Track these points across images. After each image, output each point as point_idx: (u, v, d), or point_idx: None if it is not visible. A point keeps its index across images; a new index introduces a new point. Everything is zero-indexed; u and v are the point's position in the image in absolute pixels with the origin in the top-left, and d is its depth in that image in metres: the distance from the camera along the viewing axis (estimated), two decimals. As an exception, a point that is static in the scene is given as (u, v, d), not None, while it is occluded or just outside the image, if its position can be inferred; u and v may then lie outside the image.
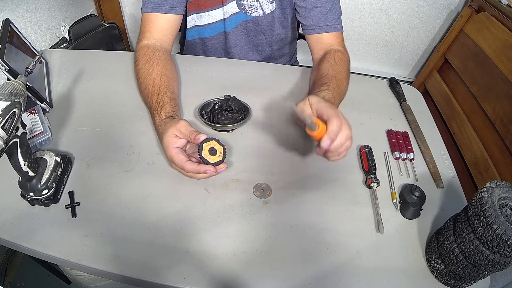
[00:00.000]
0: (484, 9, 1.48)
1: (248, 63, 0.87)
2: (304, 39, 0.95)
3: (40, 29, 1.28)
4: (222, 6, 0.81)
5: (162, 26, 0.76)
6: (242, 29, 0.85)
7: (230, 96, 0.71)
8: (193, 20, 0.85)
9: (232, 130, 0.68)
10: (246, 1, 0.80)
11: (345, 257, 0.51)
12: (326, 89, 0.65)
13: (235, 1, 0.80)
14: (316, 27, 0.78)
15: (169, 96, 0.65)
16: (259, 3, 0.81)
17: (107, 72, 0.80)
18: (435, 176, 0.63)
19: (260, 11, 0.82)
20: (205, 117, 0.68)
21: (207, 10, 0.82)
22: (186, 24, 0.87)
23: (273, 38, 0.89)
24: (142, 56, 0.72)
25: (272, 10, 0.83)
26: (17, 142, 0.46)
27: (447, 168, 0.66)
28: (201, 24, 0.85)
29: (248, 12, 0.82)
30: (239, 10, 0.82)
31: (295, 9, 0.83)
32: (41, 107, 0.65)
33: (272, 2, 0.81)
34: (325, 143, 0.51)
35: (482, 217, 0.41)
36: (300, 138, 0.68)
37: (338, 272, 0.49)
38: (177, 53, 0.97)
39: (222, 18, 0.83)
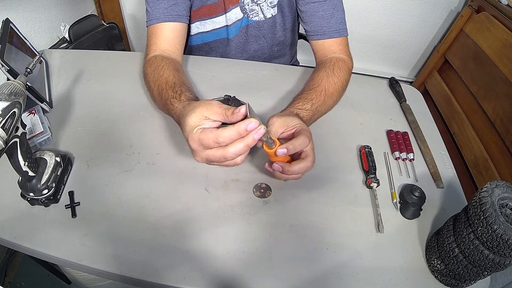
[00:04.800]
0: (484, 9, 1.48)
1: (248, 63, 0.87)
2: (305, 39, 0.95)
3: (40, 29, 1.28)
4: (225, 13, 0.80)
5: (168, 36, 0.72)
6: (244, 34, 0.85)
7: (230, 96, 0.71)
8: (196, 28, 0.84)
9: (232, 130, 0.67)
10: (248, 5, 0.80)
11: (345, 257, 0.51)
12: (309, 109, 0.62)
13: (238, 7, 0.80)
14: (318, 33, 0.77)
15: (186, 89, 0.59)
16: (260, 7, 0.81)
17: (107, 72, 0.80)
18: (435, 176, 0.63)
19: (261, 16, 0.82)
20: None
21: (210, 18, 0.81)
22: (189, 31, 0.85)
23: (274, 41, 0.89)
24: (150, 65, 0.68)
25: (273, 14, 0.82)
26: (17, 142, 0.46)
27: (447, 168, 0.66)
28: (205, 30, 0.84)
29: (250, 17, 0.82)
30: (243, 15, 0.81)
31: (297, 14, 0.82)
32: (41, 107, 0.65)
33: (274, 6, 0.81)
34: (280, 151, 0.48)
35: (482, 217, 0.41)
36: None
37: (338, 272, 0.49)
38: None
39: (225, 24, 0.82)
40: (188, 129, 0.45)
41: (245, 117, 0.43)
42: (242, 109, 0.43)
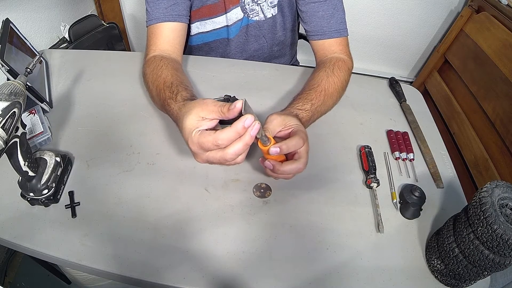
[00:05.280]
0: (484, 9, 1.48)
1: (248, 63, 0.87)
2: (305, 39, 0.95)
3: (40, 29, 1.28)
4: (225, 13, 0.80)
5: (168, 36, 0.71)
6: (244, 33, 0.85)
7: (230, 96, 0.71)
8: (196, 28, 0.84)
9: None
10: (248, 5, 0.80)
11: (345, 257, 0.51)
12: (308, 109, 0.62)
13: (239, 7, 0.80)
14: (318, 33, 0.77)
15: (183, 88, 0.59)
16: (260, 7, 0.80)
17: (107, 72, 0.80)
18: (435, 176, 0.63)
19: (261, 15, 0.82)
20: (205, 117, 0.67)
21: (210, 18, 0.81)
22: (189, 31, 0.85)
23: (274, 41, 0.89)
24: (149, 65, 0.67)
25: (273, 14, 0.82)
26: (17, 142, 0.46)
27: (447, 168, 0.66)
28: (205, 30, 0.84)
29: (250, 16, 0.82)
30: (243, 15, 0.81)
31: (298, 14, 0.82)
32: (41, 107, 0.65)
33: (274, 6, 0.81)
34: (273, 150, 0.48)
35: (482, 217, 0.41)
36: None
37: (338, 272, 0.49)
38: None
39: (225, 24, 0.82)
40: (187, 132, 0.45)
41: (241, 113, 0.43)
42: (238, 104, 0.42)
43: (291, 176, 0.54)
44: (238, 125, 0.42)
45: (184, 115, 0.46)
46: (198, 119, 0.45)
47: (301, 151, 0.52)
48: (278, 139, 0.53)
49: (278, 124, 0.53)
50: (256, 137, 0.44)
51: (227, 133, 0.42)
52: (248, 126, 0.42)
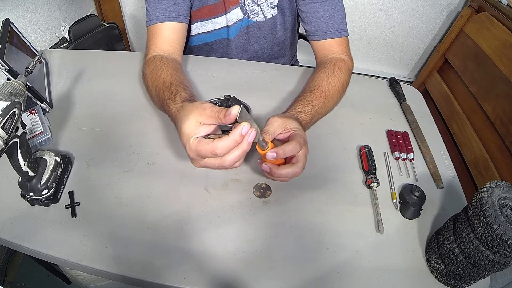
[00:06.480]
0: (484, 9, 1.48)
1: (248, 63, 0.87)
2: (305, 39, 0.95)
3: (40, 29, 1.28)
4: (225, 14, 0.80)
5: (168, 37, 0.71)
6: (244, 34, 0.85)
7: (230, 96, 0.71)
8: (197, 28, 0.84)
9: (232, 130, 0.67)
10: (248, 6, 0.80)
11: (345, 257, 0.51)
12: (309, 111, 0.62)
13: (239, 7, 0.80)
14: (319, 34, 0.76)
15: (182, 88, 0.58)
16: (260, 8, 0.80)
17: (107, 72, 0.80)
18: (435, 176, 0.63)
19: (261, 16, 0.82)
20: (205, 117, 0.67)
21: (211, 18, 0.81)
22: (189, 32, 0.85)
23: (274, 41, 0.89)
24: (149, 65, 0.67)
25: (273, 15, 0.82)
26: (17, 142, 0.46)
27: (447, 168, 0.66)
28: (205, 31, 0.84)
29: (250, 17, 0.82)
30: (243, 16, 0.81)
31: (298, 14, 0.82)
32: (41, 107, 0.65)
33: (274, 7, 0.81)
34: (269, 154, 0.48)
35: (482, 217, 0.41)
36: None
37: (338, 272, 0.49)
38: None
39: (225, 25, 0.82)
40: (185, 138, 0.45)
41: (236, 120, 0.43)
42: (234, 110, 0.42)
43: (287, 179, 0.54)
44: (235, 133, 0.42)
45: (183, 119, 0.46)
46: (196, 124, 0.45)
47: (299, 155, 0.52)
48: (278, 141, 0.53)
49: (278, 127, 0.53)
50: (254, 141, 0.45)
51: (225, 142, 0.42)
52: (245, 134, 0.42)
